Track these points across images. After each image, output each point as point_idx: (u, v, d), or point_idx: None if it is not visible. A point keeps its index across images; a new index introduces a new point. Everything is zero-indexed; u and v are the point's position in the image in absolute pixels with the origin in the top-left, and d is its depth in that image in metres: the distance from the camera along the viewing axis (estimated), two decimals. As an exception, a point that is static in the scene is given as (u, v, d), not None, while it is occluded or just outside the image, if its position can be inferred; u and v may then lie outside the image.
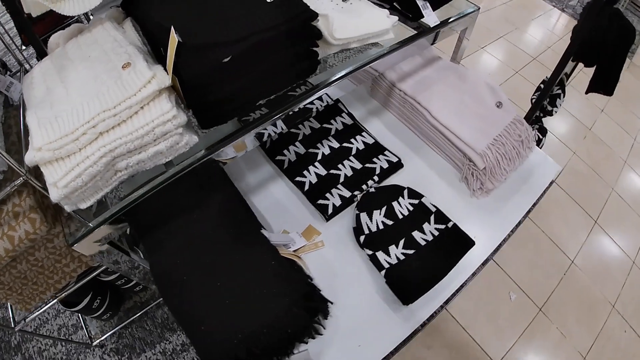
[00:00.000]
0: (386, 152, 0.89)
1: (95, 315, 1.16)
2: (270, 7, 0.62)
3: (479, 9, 0.97)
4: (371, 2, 0.86)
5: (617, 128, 2.10)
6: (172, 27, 0.53)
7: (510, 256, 1.47)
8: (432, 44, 0.92)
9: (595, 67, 1.05)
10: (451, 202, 0.85)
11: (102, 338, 1.23)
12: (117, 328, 1.24)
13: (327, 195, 0.83)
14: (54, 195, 0.46)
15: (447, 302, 0.72)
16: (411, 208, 0.80)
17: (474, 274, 0.75)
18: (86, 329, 1.24)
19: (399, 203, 0.80)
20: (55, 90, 0.53)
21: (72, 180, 0.46)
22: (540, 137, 1.27)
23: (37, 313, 0.86)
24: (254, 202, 0.87)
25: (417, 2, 0.81)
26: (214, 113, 0.60)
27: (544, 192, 0.92)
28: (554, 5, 3.04)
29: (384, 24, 0.74)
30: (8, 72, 0.83)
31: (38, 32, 0.88)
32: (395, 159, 0.88)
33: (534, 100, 1.16)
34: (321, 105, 0.98)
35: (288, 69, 0.67)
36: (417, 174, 0.89)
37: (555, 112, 1.17)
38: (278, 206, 0.86)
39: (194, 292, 0.61)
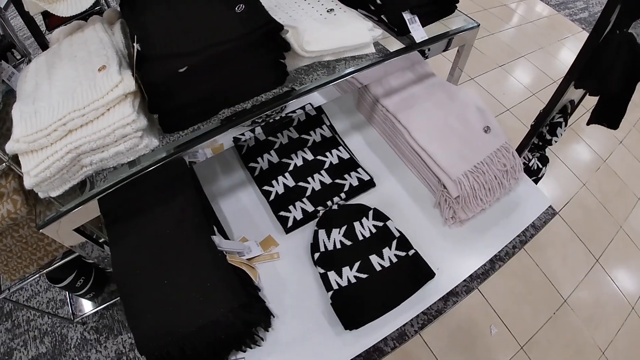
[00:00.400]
0: (359, 170, 0.86)
1: (79, 293, 1.21)
2: (237, 18, 0.62)
3: (479, 25, 0.93)
4: (360, 13, 0.84)
5: (634, 162, 1.98)
6: (136, 36, 0.58)
7: (497, 287, 1.40)
8: (425, 58, 0.88)
9: (598, 98, 0.98)
10: (421, 228, 0.81)
11: (84, 315, 1.28)
12: (98, 308, 1.29)
13: (290, 207, 0.81)
14: (27, 182, 0.52)
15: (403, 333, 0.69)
16: (374, 230, 0.77)
17: (429, 309, 0.71)
18: (71, 305, 1.31)
19: (361, 224, 0.77)
20: (41, 87, 0.58)
21: (42, 171, 0.51)
22: (540, 166, 1.21)
23: (21, 284, 0.90)
24: (221, 205, 0.86)
25: (404, 15, 0.77)
26: (175, 119, 0.62)
27: (533, 229, 0.87)
28: (583, 27, 2.91)
29: (363, 38, 0.71)
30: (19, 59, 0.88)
31: (58, 21, 0.90)
32: (366, 178, 0.85)
33: (531, 126, 1.10)
34: (302, 115, 0.96)
35: (253, 80, 0.66)
36: (390, 195, 0.86)
37: (555, 141, 1.10)
38: (243, 212, 0.84)
39: (143, 286, 0.63)
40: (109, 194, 0.61)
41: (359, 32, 0.71)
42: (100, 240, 0.77)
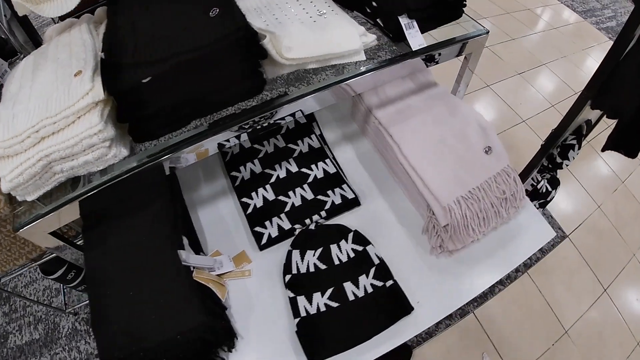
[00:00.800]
0: (344, 186, 0.81)
1: (71, 285, 1.23)
2: (210, 23, 0.57)
3: (488, 32, 0.85)
4: (356, 15, 0.78)
5: (656, 186, 1.85)
6: (102, 43, 0.57)
7: (494, 311, 1.32)
8: (428, 66, 0.82)
9: (617, 120, 0.89)
10: (405, 255, 0.75)
11: (76, 306, 1.33)
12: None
13: (267, 223, 0.76)
14: (3, 187, 0.52)
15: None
16: (352, 255, 0.72)
17: (406, 344, 0.66)
18: (64, 295, 1.35)
19: (339, 246, 0.72)
20: (23, 89, 0.57)
21: (15, 177, 0.51)
22: (550, 189, 1.12)
23: (11, 276, 0.93)
24: (199, 214, 0.82)
25: (400, 20, 0.71)
26: (145, 129, 0.59)
27: (540, 253, 0.79)
28: (610, 37, 2.75)
29: (352, 44, 0.65)
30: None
31: (80, 8, 0.88)
32: (351, 196, 0.79)
33: (542, 146, 1.01)
34: (291, 123, 0.90)
35: (226, 89, 0.61)
36: (375, 216, 0.80)
37: (567, 165, 1.01)
38: (220, 223, 0.80)
39: (111, 295, 0.63)
40: (85, 199, 0.60)
41: (348, 38, 0.65)
42: (76, 242, 0.75)
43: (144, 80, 0.53)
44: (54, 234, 0.66)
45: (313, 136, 0.89)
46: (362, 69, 0.71)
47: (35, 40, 0.88)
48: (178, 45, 0.54)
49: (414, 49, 0.73)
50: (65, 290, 1.35)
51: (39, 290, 1.40)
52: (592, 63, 2.49)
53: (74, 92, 0.50)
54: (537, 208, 1.15)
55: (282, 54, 0.60)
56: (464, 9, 0.78)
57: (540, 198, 1.12)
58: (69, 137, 0.50)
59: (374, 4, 0.74)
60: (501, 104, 2.04)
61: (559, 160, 0.97)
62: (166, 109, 0.58)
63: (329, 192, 0.80)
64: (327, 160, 0.85)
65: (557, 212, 1.64)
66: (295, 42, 0.61)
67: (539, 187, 1.08)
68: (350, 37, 0.65)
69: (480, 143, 0.80)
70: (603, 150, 0.91)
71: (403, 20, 0.71)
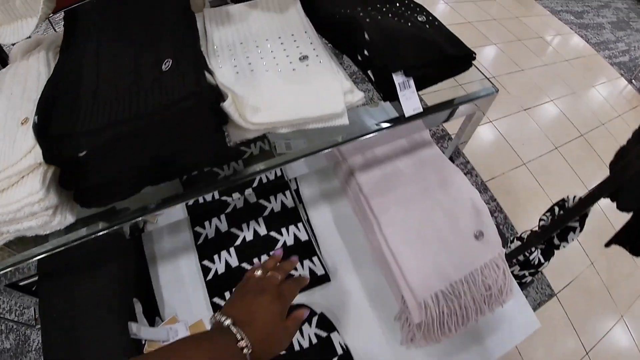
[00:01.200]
0: (314, 259, 0.73)
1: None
2: (159, 80, 0.49)
3: (497, 91, 0.77)
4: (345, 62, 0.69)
5: (653, 244, 1.78)
6: (39, 101, 0.49)
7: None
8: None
9: (632, 214, 0.81)
10: (374, 343, 0.68)
11: None
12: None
13: (227, 294, 0.69)
14: None
15: None
16: (315, 341, 0.65)
17: None
18: (35, 311, 1.27)
19: (301, 331, 0.65)
20: None
21: None
22: (542, 261, 1.05)
23: None
24: (159, 270, 0.75)
25: (394, 78, 0.60)
26: (90, 196, 0.52)
27: None
28: (621, 73, 2.66)
29: (333, 106, 0.55)
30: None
31: (66, 2, 0.79)
32: (320, 272, 0.72)
33: (541, 224, 0.93)
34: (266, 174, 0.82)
35: (181, 157, 0.53)
36: (345, 295, 0.73)
37: (564, 247, 0.94)
38: (180, 285, 0.73)
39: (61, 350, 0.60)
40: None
41: (330, 98, 0.55)
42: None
43: (80, 154, 0.46)
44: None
45: (288, 192, 0.82)
46: (339, 138, 0.63)
47: (1, 58, 0.80)
48: (120, 110, 0.47)
49: (407, 115, 0.64)
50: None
51: (9, 300, 1.33)
52: (601, 103, 2.41)
53: (18, 146, 0.45)
54: (527, 276, 1.08)
55: (246, 117, 0.52)
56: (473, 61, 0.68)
57: (531, 268, 1.05)
58: (11, 201, 0.45)
59: (365, 52, 0.64)
60: (502, 144, 1.96)
61: (556, 242, 0.90)
62: (110, 179, 0.51)
63: (297, 266, 0.72)
64: (300, 225, 0.77)
65: (547, 268, 1.57)
66: (264, 102, 0.53)
67: (531, 258, 1.01)
68: (332, 97, 0.56)
69: (471, 226, 0.72)
70: (606, 245, 0.83)
71: (398, 79, 0.61)
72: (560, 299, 1.49)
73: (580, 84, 2.52)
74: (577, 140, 2.11)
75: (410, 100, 0.63)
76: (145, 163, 0.51)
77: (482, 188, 1.70)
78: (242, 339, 0.37)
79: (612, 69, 2.77)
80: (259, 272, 0.48)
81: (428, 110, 0.68)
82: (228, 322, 0.39)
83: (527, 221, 1.65)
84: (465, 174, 1.73)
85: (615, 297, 1.57)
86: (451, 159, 0.90)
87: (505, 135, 1.99)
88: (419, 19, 0.72)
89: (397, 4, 0.76)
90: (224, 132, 0.55)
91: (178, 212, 0.81)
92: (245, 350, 0.37)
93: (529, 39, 2.81)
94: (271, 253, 0.52)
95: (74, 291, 0.64)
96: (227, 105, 0.51)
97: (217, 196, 0.81)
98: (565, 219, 0.84)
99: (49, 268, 0.64)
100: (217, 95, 0.50)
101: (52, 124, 0.46)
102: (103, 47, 0.56)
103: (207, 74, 0.52)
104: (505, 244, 0.96)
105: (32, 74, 0.55)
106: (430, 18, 0.72)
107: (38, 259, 0.54)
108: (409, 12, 0.73)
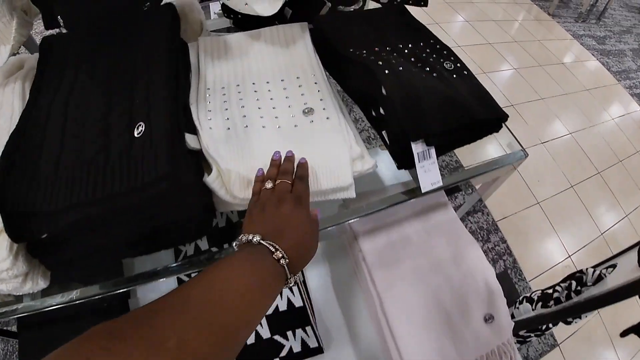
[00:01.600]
0: (308, 329, 0.67)
1: None
2: (131, 150, 0.43)
3: (527, 156, 0.71)
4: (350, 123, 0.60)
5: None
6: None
7: None
8: None
9: None
10: None
11: None
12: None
13: None
14: None
15: None
16: None
17: None
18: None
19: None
20: None
21: None
22: (551, 326, 0.98)
23: None
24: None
25: (413, 147, 0.53)
26: (61, 270, 0.48)
27: None
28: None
29: (338, 178, 0.48)
30: None
31: None
32: (314, 344, 0.66)
33: (555, 296, 0.86)
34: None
35: (160, 235, 0.48)
36: (339, 372, 0.67)
37: (576, 322, 0.87)
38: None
39: None
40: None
41: (336, 168, 0.49)
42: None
43: (42, 237, 0.41)
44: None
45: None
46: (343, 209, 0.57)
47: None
48: (82, 190, 0.41)
49: (423, 191, 0.58)
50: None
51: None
52: (620, 138, 2.32)
53: None
54: (532, 337, 1.02)
55: (233, 193, 0.46)
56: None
57: (537, 332, 0.99)
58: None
59: (381, 110, 0.56)
60: (518, 181, 1.88)
61: (569, 319, 0.83)
62: (81, 256, 0.46)
63: (289, 334, 0.66)
64: (295, 289, 0.71)
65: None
66: (253, 172, 0.47)
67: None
68: (340, 167, 0.49)
69: (481, 308, 0.66)
70: (622, 335, 0.77)
71: (417, 148, 0.53)
72: (562, 349, 1.42)
73: (600, 117, 2.43)
74: (592, 178, 2.03)
75: (429, 173, 0.57)
76: (116, 242, 0.46)
77: (493, 228, 1.63)
78: (276, 249, 0.36)
79: (632, 100, 2.68)
80: (269, 185, 0.43)
81: (448, 184, 0.62)
82: (257, 238, 0.36)
83: (537, 267, 1.58)
84: (477, 212, 1.66)
85: (618, 348, 1.50)
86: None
87: (522, 171, 1.90)
88: (446, 66, 0.64)
89: (422, 44, 0.68)
90: (210, 210, 0.49)
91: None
92: (282, 262, 0.35)
93: (550, 65, 2.71)
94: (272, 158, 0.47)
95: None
96: (211, 181, 0.45)
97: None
98: (585, 309, 0.77)
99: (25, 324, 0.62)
100: (195, 173, 0.44)
101: (12, 199, 0.41)
102: (75, 92, 0.50)
103: (188, 137, 0.46)
104: (511, 296, 0.88)
105: (6, 110, 0.53)
106: (459, 65, 0.64)
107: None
108: (434, 57, 0.66)
